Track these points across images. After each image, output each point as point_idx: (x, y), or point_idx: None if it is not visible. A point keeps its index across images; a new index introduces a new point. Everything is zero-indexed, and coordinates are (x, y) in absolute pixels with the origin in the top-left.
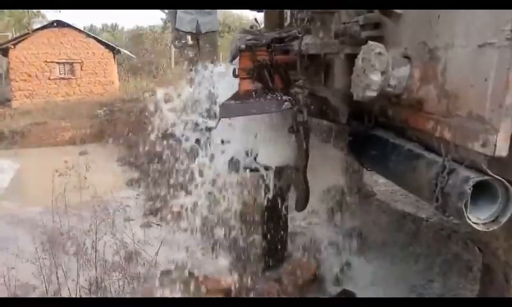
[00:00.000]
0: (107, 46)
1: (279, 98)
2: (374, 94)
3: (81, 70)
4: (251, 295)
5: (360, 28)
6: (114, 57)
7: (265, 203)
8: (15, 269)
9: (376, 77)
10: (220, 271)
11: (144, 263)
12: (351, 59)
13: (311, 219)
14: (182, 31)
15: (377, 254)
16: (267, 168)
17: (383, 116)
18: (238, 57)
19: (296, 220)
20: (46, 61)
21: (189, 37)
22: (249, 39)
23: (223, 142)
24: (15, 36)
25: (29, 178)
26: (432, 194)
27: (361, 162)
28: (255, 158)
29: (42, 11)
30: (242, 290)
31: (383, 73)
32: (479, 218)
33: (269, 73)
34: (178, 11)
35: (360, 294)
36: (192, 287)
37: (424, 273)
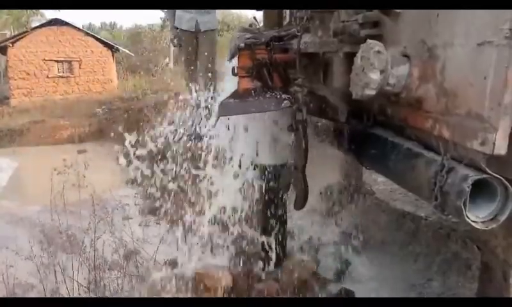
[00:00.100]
0: (105, 44)
1: (278, 96)
2: (373, 92)
3: (80, 68)
4: (250, 294)
5: (359, 26)
6: (112, 56)
7: (264, 202)
8: (14, 267)
9: (375, 76)
10: (219, 269)
11: (143, 262)
12: (350, 57)
13: (310, 218)
14: (181, 30)
15: (377, 253)
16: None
17: (382, 114)
18: (237, 56)
19: (295, 219)
20: (44, 59)
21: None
22: (249, 38)
23: None
24: (13, 34)
25: (27, 177)
26: (431, 193)
27: (361, 161)
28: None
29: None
30: (241, 289)
31: (382, 71)
32: (477, 216)
33: (268, 71)
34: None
35: (359, 293)
36: (190, 285)
37: (423, 272)
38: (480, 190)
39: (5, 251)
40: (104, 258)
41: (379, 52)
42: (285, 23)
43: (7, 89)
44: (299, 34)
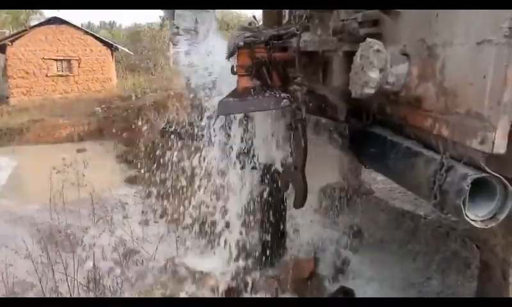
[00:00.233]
0: (105, 43)
1: (277, 95)
2: (372, 91)
3: (79, 67)
4: (250, 291)
5: (358, 25)
6: (112, 55)
7: (264, 201)
8: (13, 266)
9: (374, 75)
10: (218, 267)
11: (142, 261)
12: (350, 56)
13: (309, 217)
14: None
15: (376, 252)
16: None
17: (381, 113)
18: (236, 54)
19: (295, 217)
20: (43, 58)
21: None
22: (248, 37)
23: None
24: (12, 33)
25: (26, 176)
26: (431, 191)
27: (360, 160)
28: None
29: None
30: (241, 286)
31: (381, 70)
32: (477, 215)
33: (268, 70)
34: None
35: (358, 291)
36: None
37: (423, 270)
38: (480, 188)
39: (4, 250)
40: (103, 256)
41: (378, 50)
42: (284, 21)
43: (6, 88)
44: (298, 32)
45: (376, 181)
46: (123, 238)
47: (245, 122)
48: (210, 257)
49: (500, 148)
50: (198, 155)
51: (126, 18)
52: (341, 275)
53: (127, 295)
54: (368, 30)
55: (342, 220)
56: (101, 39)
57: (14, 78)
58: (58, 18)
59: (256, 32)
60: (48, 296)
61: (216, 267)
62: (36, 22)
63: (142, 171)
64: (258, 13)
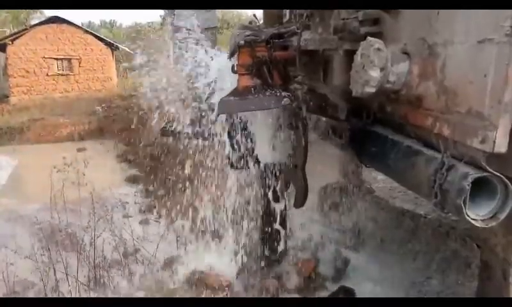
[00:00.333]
0: (105, 42)
1: (278, 94)
2: (373, 90)
3: (79, 66)
4: (251, 292)
5: (359, 24)
6: (112, 54)
7: (264, 200)
8: (14, 266)
9: (375, 73)
10: (219, 267)
11: (143, 260)
12: (350, 55)
13: (310, 216)
14: (181, 28)
15: (376, 251)
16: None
17: (381, 112)
18: (237, 53)
19: (295, 217)
20: (44, 57)
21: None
22: (248, 35)
23: None
24: (12, 32)
25: (27, 175)
26: (431, 191)
27: (360, 159)
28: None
29: None
30: (242, 286)
31: (382, 69)
32: (477, 214)
33: (268, 69)
34: None
35: (358, 291)
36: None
37: (423, 270)
38: (480, 188)
39: (4, 250)
40: (103, 255)
41: (379, 49)
42: (285, 20)
43: (6, 87)
44: (299, 31)
45: (377, 180)
46: (124, 238)
47: (239, 121)
48: (211, 257)
49: (501, 147)
50: (197, 153)
51: (126, 17)
52: (341, 275)
53: (126, 294)
54: (368, 29)
55: (343, 219)
56: (101, 38)
57: (14, 77)
58: (59, 17)
59: (257, 31)
60: (49, 295)
61: (216, 267)
62: (37, 21)
63: (143, 170)
64: (259, 12)
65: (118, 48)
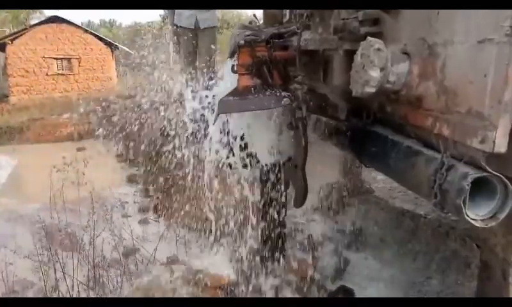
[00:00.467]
0: (105, 42)
1: (278, 94)
2: (373, 90)
3: (79, 65)
4: (250, 292)
5: (359, 24)
6: (112, 53)
7: (264, 200)
8: (13, 265)
9: (375, 73)
10: (219, 267)
11: (142, 260)
12: (350, 55)
13: (309, 216)
14: (181, 27)
15: (376, 251)
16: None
17: (381, 112)
18: (237, 53)
19: (295, 216)
20: (44, 57)
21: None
22: (248, 35)
23: None
24: (12, 32)
25: (27, 174)
26: (431, 191)
27: (360, 159)
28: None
29: None
30: (241, 287)
31: (382, 69)
32: (477, 214)
33: (268, 69)
34: None
35: (358, 291)
36: (191, 282)
37: (423, 270)
38: (480, 188)
39: (4, 249)
40: (103, 255)
41: (379, 49)
42: (285, 20)
43: (6, 86)
44: (299, 31)
45: (376, 180)
46: (123, 237)
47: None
48: (211, 256)
49: (501, 147)
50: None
51: (126, 16)
52: (341, 275)
53: (127, 294)
54: (368, 29)
55: (342, 219)
56: (101, 38)
57: (14, 77)
58: (58, 16)
59: (257, 30)
60: (49, 295)
61: (216, 266)
62: (36, 21)
63: (142, 170)
64: (259, 12)
65: (118, 48)
